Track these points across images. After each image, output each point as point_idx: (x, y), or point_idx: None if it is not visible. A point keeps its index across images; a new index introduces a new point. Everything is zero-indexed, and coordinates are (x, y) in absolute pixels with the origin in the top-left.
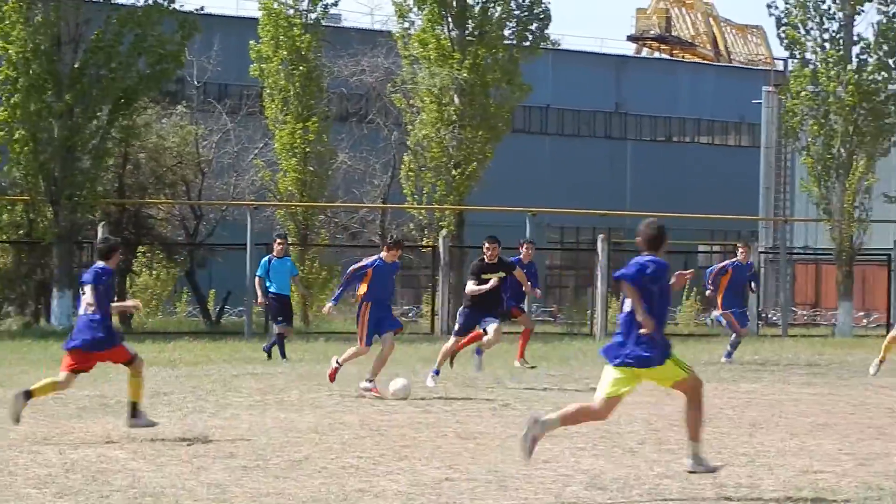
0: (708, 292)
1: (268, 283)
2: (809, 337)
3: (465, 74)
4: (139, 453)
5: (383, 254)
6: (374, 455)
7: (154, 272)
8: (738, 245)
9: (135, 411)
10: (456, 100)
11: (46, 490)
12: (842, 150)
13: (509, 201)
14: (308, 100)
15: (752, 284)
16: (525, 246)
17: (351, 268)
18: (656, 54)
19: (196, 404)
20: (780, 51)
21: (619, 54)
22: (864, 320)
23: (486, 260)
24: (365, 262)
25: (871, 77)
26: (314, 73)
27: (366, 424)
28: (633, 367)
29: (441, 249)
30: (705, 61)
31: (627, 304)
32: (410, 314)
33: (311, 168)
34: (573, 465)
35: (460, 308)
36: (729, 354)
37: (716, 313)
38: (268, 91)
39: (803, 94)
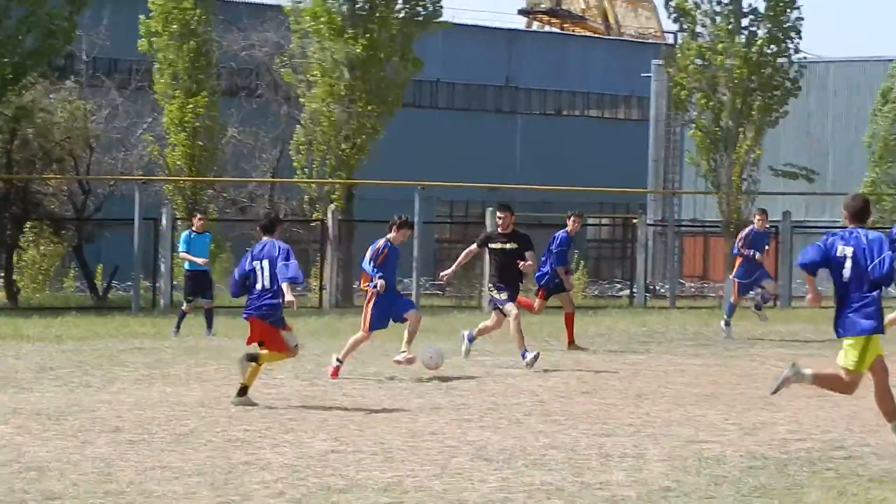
0: (758, 256)
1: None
2: (697, 309)
3: (358, 50)
4: (24, 428)
5: (392, 234)
6: (261, 428)
7: (41, 248)
8: (755, 213)
9: None
10: (346, 74)
11: None
12: (730, 123)
13: (399, 175)
14: (197, 74)
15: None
16: (572, 219)
17: (372, 249)
18: (547, 28)
19: (82, 379)
20: (670, 24)
21: (510, 28)
22: (751, 292)
23: (499, 230)
24: (379, 243)
25: (760, 50)
26: (204, 48)
27: (253, 398)
28: (873, 335)
29: (330, 223)
30: (595, 35)
31: (847, 276)
32: (299, 288)
33: (200, 143)
34: (459, 437)
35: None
36: (727, 324)
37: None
38: (157, 66)
39: (691, 66)
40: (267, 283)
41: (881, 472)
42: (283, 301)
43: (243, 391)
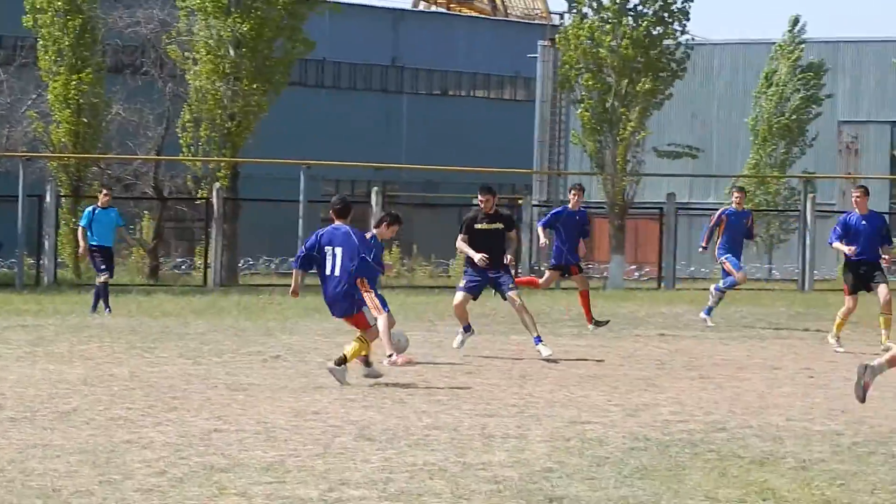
0: (700, 250)
1: (89, 234)
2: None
3: (245, 28)
4: None
5: (380, 229)
6: (143, 406)
7: None
8: (734, 191)
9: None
10: (231, 52)
11: None
12: (616, 104)
13: (285, 154)
14: (82, 51)
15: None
16: (573, 192)
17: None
18: (433, 8)
19: None
20: (556, 5)
21: (396, 8)
22: (636, 273)
23: (484, 212)
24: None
25: (647, 31)
26: (89, 25)
27: (136, 376)
28: None
29: (215, 202)
30: (482, 15)
31: None
32: (184, 266)
33: (85, 120)
34: (343, 417)
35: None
36: (709, 311)
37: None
38: (41, 42)
39: (580, 47)
40: (337, 272)
41: (762, 454)
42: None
43: (366, 363)
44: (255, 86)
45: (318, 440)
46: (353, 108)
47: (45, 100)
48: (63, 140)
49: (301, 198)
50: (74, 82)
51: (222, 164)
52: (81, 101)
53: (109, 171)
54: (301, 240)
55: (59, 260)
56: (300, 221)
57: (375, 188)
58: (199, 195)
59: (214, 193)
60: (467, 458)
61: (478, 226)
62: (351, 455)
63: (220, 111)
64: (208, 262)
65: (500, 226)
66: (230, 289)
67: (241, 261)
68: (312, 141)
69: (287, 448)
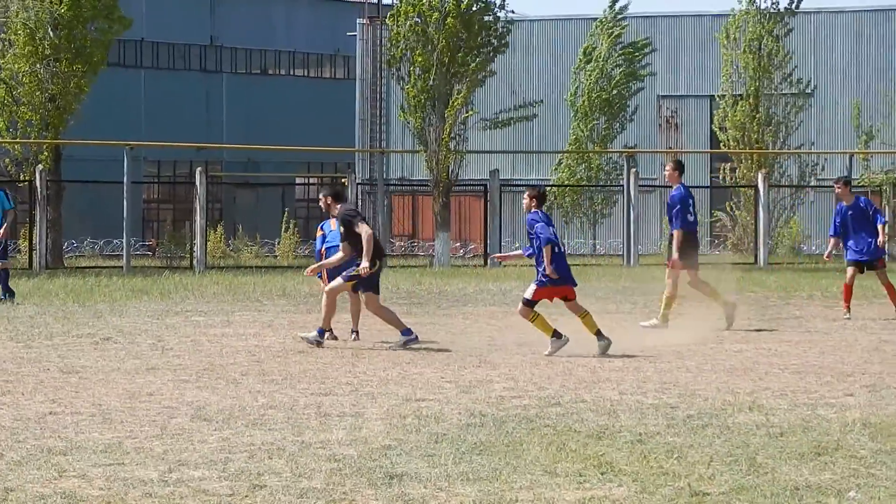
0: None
1: None
2: (408, 267)
3: (62, 10)
4: None
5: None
6: None
7: None
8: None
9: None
10: (51, 33)
11: None
12: (441, 81)
13: (107, 135)
14: None
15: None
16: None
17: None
18: None
19: None
20: None
21: None
22: (462, 251)
23: None
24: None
25: (468, 7)
26: None
27: None
28: None
29: (38, 184)
30: None
31: None
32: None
33: None
34: (177, 398)
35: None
36: None
37: None
38: None
39: (407, 23)
40: None
41: (598, 428)
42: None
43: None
44: (74, 67)
45: (154, 421)
46: (173, 89)
47: None
48: None
49: (125, 179)
50: None
51: (44, 146)
52: None
53: None
54: (125, 221)
55: None
56: (124, 203)
57: (199, 168)
58: (21, 178)
59: (37, 176)
60: (305, 437)
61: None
62: (188, 436)
63: (39, 93)
64: (33, 244)
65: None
66: (56, 271)
67: (66, 243)
68: (134, 122)
69: (124, 430)
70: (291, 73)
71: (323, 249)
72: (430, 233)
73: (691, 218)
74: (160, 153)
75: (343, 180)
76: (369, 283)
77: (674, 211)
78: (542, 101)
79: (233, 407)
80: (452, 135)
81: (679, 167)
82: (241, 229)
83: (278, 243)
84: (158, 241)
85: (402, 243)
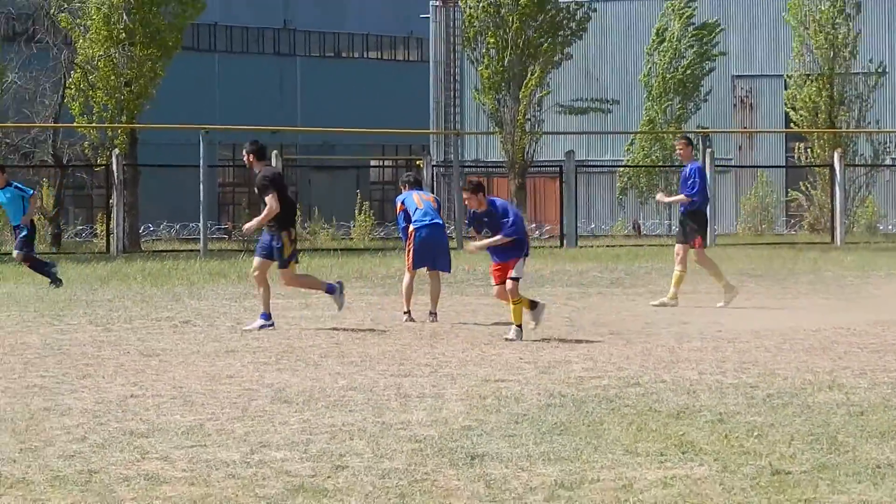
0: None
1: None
2: None
3: None
4: None
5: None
6: (58, 374)
7: None
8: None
9: None
10: (125, 17)
11: None
12: (515, 62)
13: (181, 120)
14: None
15: None
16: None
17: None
18: None
19: None
20: None
21: None
22: (537, 232)
23: None
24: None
25: None
26: None
27: (47, 344)
28: None
29: (115, 168)
30: None
31: None
32: (84, 234)
33: None
34: (257, 380)
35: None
36: None
37: None
38: None
39: (481, 4)
40: None
41: (678, 408)
42: None
43: None
44: (148, 51)
45: (235, 403)
46: (246, 73)
47: None
48: None
49: (201, 163)
50: None
51: (120, 130)
52: None
53: (8, 140)
54: (202, 204)
55: None
56: (200, 186)
57: (274, 152)
58: (98, 162)
59: (114, 160)
60: (386, 418)
61: None
62: (269, 417)
63: (114, 78)
64: (110, 229)
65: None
66: (133, 255)
67: (143, 227)
68: (209, 106)
69: (205, 412)
70: (365, 55)
71: (411, 230)
72: None
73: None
74: (234, 136)
75: (418, 162)
76: (275, 256)
77: (689, 183)
78: (618, 101)
79: (313, 389)
80: (527, 116)
81: (691, 143)
82: (318, 212)
83: (353, 226)
84: (234, 225)
85: None
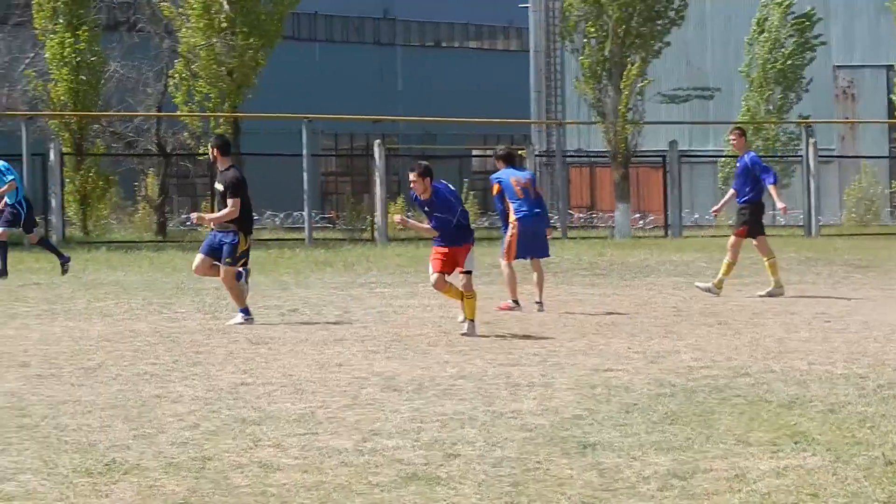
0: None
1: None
2: (588, 239)
3: None
4: None
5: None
6: (168, 361)
7: None
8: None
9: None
10: (226, 6)
11: None
12: (615, 52)
13: (282, 109)
14: (77, 9)
15: None
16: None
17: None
18: None
19: None
20: None
21: None
22: (641, 222)
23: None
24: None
25: None
26: None
27: (157, 332)
28: None
29: None
30: None
31: None
32: (188, 223)
33: (83, 77)
34: (366, 368)
35: None
36: None
37: None
38: (36, 1)
39: None
40: None
41: (789, 398)
42: None
43: None
44: (250, 40)
45: (345, 392)
46: (347, 62)
47: (42, 59)
48: (63, 98)
49: (304, 151)
50: (70, 40)
51: (222, 119)
52: (78, 59)
53: (111, 129)
54: (306, 193)
55: (66, 218)
56: (304, 175)
57: (377, 141)
58: (200, 151)
59: None
60: (496, 407)
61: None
62: (380, 406)
63: (216, 67)
64: None
65: (220, 187)
66: None
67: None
68: (310, 95)
69: (316, 400)
70: (465, 45)
71: (511, 213)
72: (608, 204)
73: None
74: (336, 126)
75: (521, 152)
76: (225, 252)
77: (759, 167)
78: (720, 88)
79: (422, 377)
80: (629, 105)
81: (744, 134)
82: None
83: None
84: (338, 214)
85: (581, 214)
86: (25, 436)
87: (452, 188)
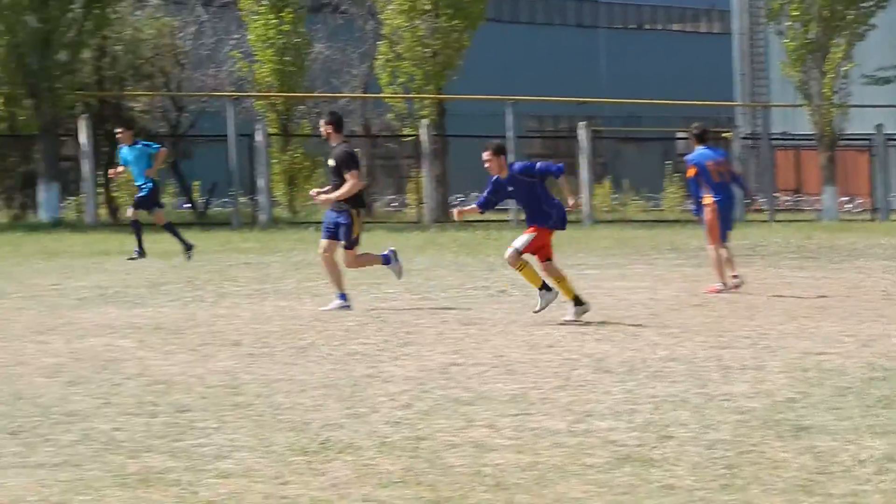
0: None
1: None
2: (795, 222)
3: None
4: (145, 342)
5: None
6: (378, 341)
7: None
8: None
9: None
10: None
11: (58, 379)
12: (820, 34)
13: (488, 90)
14: None
15: None
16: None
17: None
18: None
19: (195, 294)
20: None
21: None
22: (848, 205)
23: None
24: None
25: None
26: None
27: (366, 312)
28: None
29: (424, 139)
30: None
31: None
32: (394, 204)
33: (288, 59)
34: (578, 349)
35: None
36: None
37: None
38: None
39: None
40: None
41: None
42: None
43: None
44: (453, 22)
45: (556, 372)
46: (550, 44)
47: (247, 40)
48: (268, 79)
49: (511, 134)
50: (274, 22)
51: (426, 101)
52: (283, 40)
53: (317, 110)
54: None
55: (273, 198)
56: (511, 157)
57: (583, 123)
58: (405, 133)
59: (423, 130)
60: (708, 390)
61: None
62: (591, 387)
63: (420, 48)
64: (421, 198)
65: (332, 162)
66: (444, 225)
67: (453, 197)
68: (512, 77)
69: (527, 381)
70: (667, 27)
71: (712, 202)
72: (814, 187)
73: None
74: (540, 108)
75: (725, 135)
76: (341, 235)
77: None
78: None
79: (633, 359)
80: (834, 88)
81: None
82: (628, 184)
83: (663, 197)
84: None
85: (787, 198)
86: (240, 414)
87: (530, 164)
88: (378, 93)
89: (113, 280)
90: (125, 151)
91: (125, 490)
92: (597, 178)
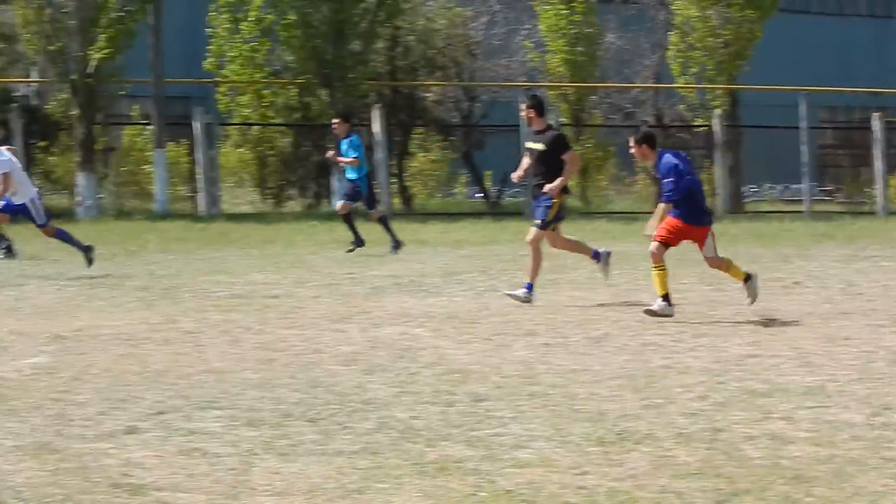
0: None
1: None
2: None
3: None
4: (441, 331)
5: None
6: (673, 332)
7: (430, 154)
8: None
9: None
10: None
11: (355, 367)
12: None
13: (781, 81)
14: None
15: None
16: None
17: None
18: None
19: (488, 283)
20: None
21: None
22: None
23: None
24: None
25: None
26: None
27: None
28: None
29: (717, 129)
30: None
31: None
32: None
33: (580, 49)
34: (874, 342)
35: None
36: None
37: None
38: None
39: None
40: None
41: None
42: None
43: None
44: (745, 12)
45: (852, 365)
46: (841, 34)
47: (538, 30)
48: (559, 69)
49: (804, 124)
50: (566, 12)
51: (718, 91)
52: (575, 31)
53: (609, 100)
54: (805, 166)
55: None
56: (803, 148)
57: (877, 114)
58: (697, 123)
59: (716, 120)
60: None
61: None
62: (889, 380)
63: (711, 39)
64: (715, 189)
65: (541, 146)
66: (737, 216)
67: (746, 188)
68: (804, 67)
69: (824, 373)
70: None
71: None
72: None
73: None
74: (832, 98)
75: None
76: (539, 214)
77: None
78: None
79: None
80: None
81: None
82: None
83: None
84: (837, 187)
85: None
86: (536, 404)
87: (684, 156)
88: (670, 83)
89: (407, 269)
90: (344, 144)
91: (423, 478)
92: (890, 168)
